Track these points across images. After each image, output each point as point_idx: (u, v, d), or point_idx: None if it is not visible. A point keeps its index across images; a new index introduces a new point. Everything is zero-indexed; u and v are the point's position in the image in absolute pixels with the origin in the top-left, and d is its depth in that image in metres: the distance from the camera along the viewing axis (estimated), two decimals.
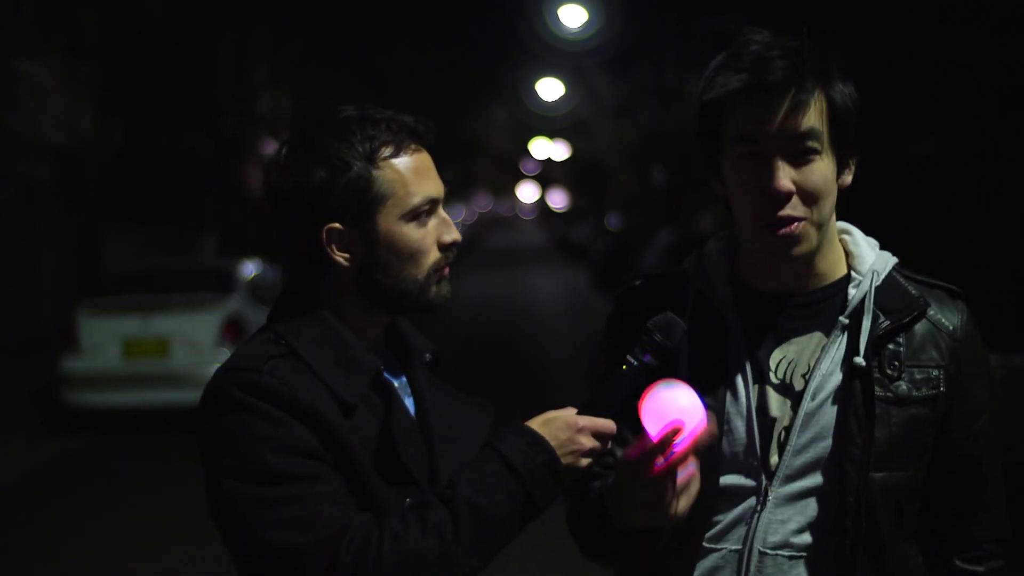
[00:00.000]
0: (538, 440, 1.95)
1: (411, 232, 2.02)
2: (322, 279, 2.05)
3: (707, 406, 1.96)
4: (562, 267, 39.93)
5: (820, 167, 2.04)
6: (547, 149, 62.71)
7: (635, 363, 1.99)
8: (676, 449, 1.92)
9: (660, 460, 1.93)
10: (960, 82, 14.80)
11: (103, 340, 12.08)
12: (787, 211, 2.03)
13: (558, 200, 78.66)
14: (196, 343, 11.85)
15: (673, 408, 1.93)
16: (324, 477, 1.91)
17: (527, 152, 69.59)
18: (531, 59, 35.74)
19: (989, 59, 14.27)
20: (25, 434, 12.32)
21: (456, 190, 61.44)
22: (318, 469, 1.91)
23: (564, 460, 1.95)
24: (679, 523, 2.01)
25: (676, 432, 1.91)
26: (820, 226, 2.07)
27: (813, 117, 2.03)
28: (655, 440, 1.92)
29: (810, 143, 2.03)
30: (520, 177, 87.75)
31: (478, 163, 68.30)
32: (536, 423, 1.99)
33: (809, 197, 2.04)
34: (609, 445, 2.00)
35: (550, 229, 70.21)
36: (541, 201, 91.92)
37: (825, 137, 2.04)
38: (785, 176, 2.02)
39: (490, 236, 70.79)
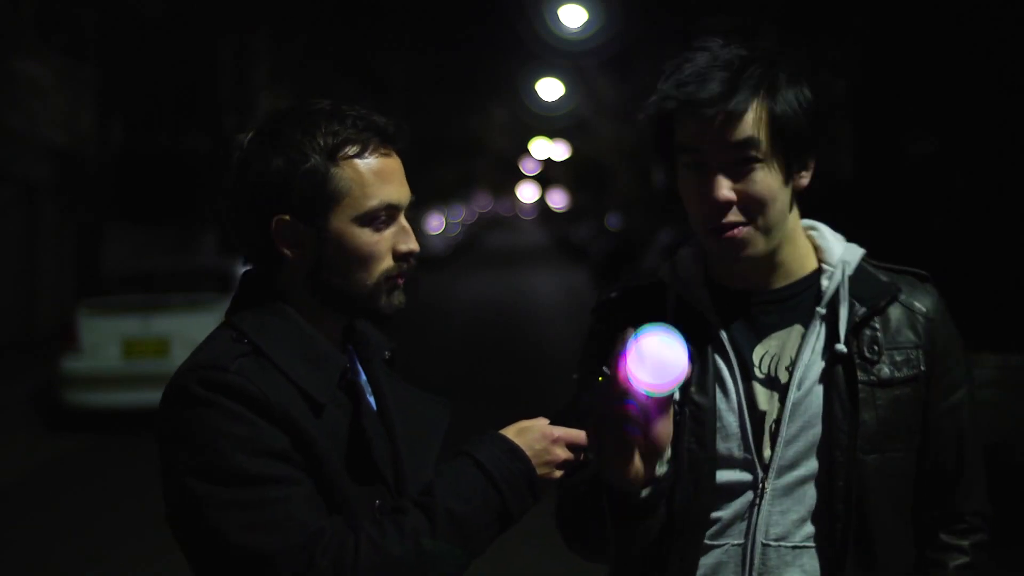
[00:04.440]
0: (514, 449, 1.93)
1: (363, 236, 1.96)
2: (276, 272, 2.01)
3: (691, 356, 1.93)
4: (562, 267, 39.90)
5: (760, 176, 2.09)
6: (547, 149, 62.67)
7: (611, 374, 1.96)
8: (656, 394, 1.90)
9: (635, 406, 1.91)
10: (960, 82, 14.79)
11: (103, 340, 12.07)
12: (729, 218, 2.10)
13: (558, 200, 78.62)
14: (196, 343, 11.73)
15: (658, 356, 1.89)
16: (296, 480, 1.87)
17: (527, 152, 69.55)
18: (531, 59, 35.70)
19: (989, 58, 14.27)
20: (25, 434, 12.32)
21: (456, 190, 61.48)
22: (290, 472, 1.87)
23: (539, 471, 1.93)
24: (656, 482, 2.00)
25: (655, 381, 1.89)
26: (768, 230, 2.12)
27: (750, 128, 2.07)
28: (636, 384, 1.90)
29: (748, 153, 2.08)
30: (520, 177, 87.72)
31: (478, 163, 68.34)
32: (510, 432, 1.96)
33: (751, 204, 2.10)
34: (583, 456, 1.99)
35: (550, 229, 70.14)
36: (541, 201, 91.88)
37: (766, 145, 2.08)
38: (724, 186, 2.09)
39: (490, 236, 70.76)
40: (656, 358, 1.88)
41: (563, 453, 1.95)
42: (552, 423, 1.97)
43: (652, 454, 1.98)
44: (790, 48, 2.21)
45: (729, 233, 2.10)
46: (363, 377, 2.10)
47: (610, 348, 1.99)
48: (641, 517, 2.05)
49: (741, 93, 2.06)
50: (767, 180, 2.09)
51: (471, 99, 43.31)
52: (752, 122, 2.07)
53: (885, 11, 16.12)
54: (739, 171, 2.09)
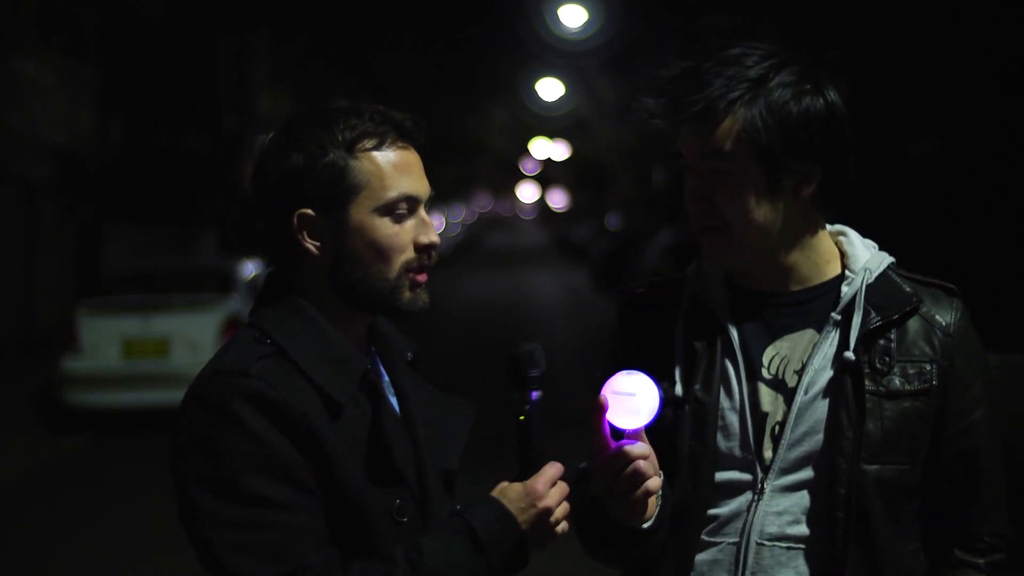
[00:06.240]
0: (507, 516, 1.95)
1: (383, 227, 1.99)
2: (297, 269, 2.02)
3: (663, 397, 2.00)
4: (562, 267, 39.90)
5: (731, 184, 2.09)
6: (547, 149, 62.71)
7: (527, 407, 2.01)
8: (625, 437, 1.97)
9: (610, 447, 1.98)
10: (960, 82, 14.79)
11: (103, 340, 12.09)
12: (706, 223, 2.13)
13: (558, 200, 78.61)
14: (196, 343, 11.85)
15: (627, 395, 1.97)
16: (297, 507, 1.87)
17: (527, 152, 69.61)
18: (531, 59, 35.70)
19: (989, 58, 14.27)
20: (25, 434, 12.32)
21: (456, 190, 61.45)
22: (293, 497, 1.87)
23: (526, 527, 1.95)
24: (636, 521, 2.05)
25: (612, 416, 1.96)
26: (746, 240, 2.12)
27: (718, 140, 2.09)
28: (605, 426, 1.97)
29: (717, 163, 2.10)
30: (520, 177, 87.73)
31: (478, 163, 68.34)
32: (494, 494, 1.98)
33: (721, 213, 2.11)
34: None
35: (550, 229, 70.13)
36: (541, 201, 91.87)
37: (737, 158, 2.08)
38: (696, 194, 2.13)
39: (490, 236, 70.74)
40: (626, 397, 1.96)
41: (555, 495, 1.97)
42: (519, 480, 1.98)
43: (650, 489, 2.00)
44: (791, 49, 2.17)
45: (709, 238, 2.14)
46: (386, 379, 2.10)
47: (639, 343, 2.04)
48: (646, 544, 2.10)
49: (713, 105, 2.07)
50: (737, 192, 2.09)
51: (471, 99, 43.28)
52: (722, 134, 2.08)
53: (885, 11, 16.12)
54: (710, 180, 2.11)
